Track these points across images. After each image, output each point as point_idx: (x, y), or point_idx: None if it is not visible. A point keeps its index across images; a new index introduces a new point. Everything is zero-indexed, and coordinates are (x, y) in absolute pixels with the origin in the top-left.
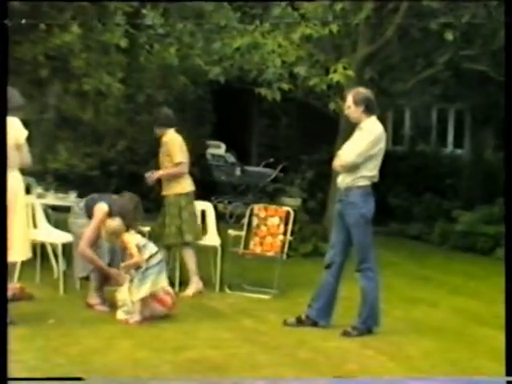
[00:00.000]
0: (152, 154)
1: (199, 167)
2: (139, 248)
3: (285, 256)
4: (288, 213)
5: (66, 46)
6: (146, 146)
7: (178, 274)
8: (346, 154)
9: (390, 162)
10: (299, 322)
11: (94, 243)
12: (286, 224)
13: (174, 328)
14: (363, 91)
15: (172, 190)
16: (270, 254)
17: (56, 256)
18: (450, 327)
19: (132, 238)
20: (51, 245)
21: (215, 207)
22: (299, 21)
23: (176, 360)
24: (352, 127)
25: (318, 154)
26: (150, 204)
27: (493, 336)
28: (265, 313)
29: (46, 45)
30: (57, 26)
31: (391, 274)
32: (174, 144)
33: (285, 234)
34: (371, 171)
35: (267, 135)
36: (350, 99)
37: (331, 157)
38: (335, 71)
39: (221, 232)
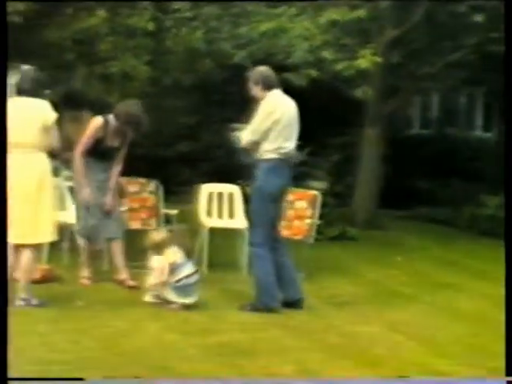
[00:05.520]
0: (177, 137)
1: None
2: (175, 266)
3: (312, 240)
4: (315, 196)
5: (92, 29)
6: (171, 129)
7: (205, 255)
8: (244, 133)
9: (416, 146)
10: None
11: (88, 153)
12: (313, 207)
13: (201, 311)
14: (258, 69)
15: None
16: (298, 237)
17: None
18: (477, 312)
19: (171, 257)
20: None
21: (243, 190)
22: (327, 5)
23: (204, 343)
24: (378, 109)
25: (344, 136)
26: (176, 187)
27: None
28: None
29: (73, 28)
30: (83, 9)
31: (419, 258)
32: None
33: (312, 217)
34: (273, 143)
35: None
36: (249, 81)
37: (358, 140)
38: (363, 57)
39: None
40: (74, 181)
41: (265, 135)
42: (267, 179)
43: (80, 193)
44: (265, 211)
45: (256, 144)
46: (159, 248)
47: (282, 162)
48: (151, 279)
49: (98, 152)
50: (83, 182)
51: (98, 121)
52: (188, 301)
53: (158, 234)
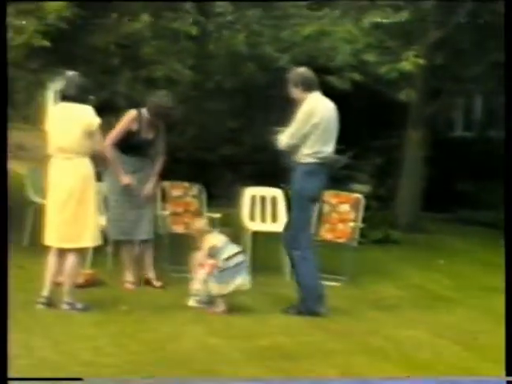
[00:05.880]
0: (220, 140)
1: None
2: (215, 250)
3: (355, 243)
4: (358, 199)
5: (136, 34)
6: (214, 132)
7: (248, 259)
8: (283, 136)
9: (459, 148)
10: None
11: (122, 148)
12: (357, 211)
13: (246, 315)
14: (298, 70)
15: None
16: (341, 240)
17: None
18: None
19: (212, 240)
20: None
21: (286, 194)
22: (370, 7)
23: (248, 347)
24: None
25: (387, 139)
26: (219, 191)
27: None
28: (335, 300)
29: (118, 33)
30: (127, 14)
31: (462, 261)
32: None
33: (355, 220)
34: (312, 148)
35: None
36: (289, 83)
37: (401, 142)
38: (406, 59)
39: None
40: (107, 174)
41: (304, 139)
42: (304, 183)
43: (120, 182)
44: (305, 215)
45: (295, 147)
46: (201, 235)
47: (320, 166)
48: (196, 285)
49: (133, 145)
50: (119, 170)
51: (131, 113)
52: (234, 286)
53: (200, 222)
